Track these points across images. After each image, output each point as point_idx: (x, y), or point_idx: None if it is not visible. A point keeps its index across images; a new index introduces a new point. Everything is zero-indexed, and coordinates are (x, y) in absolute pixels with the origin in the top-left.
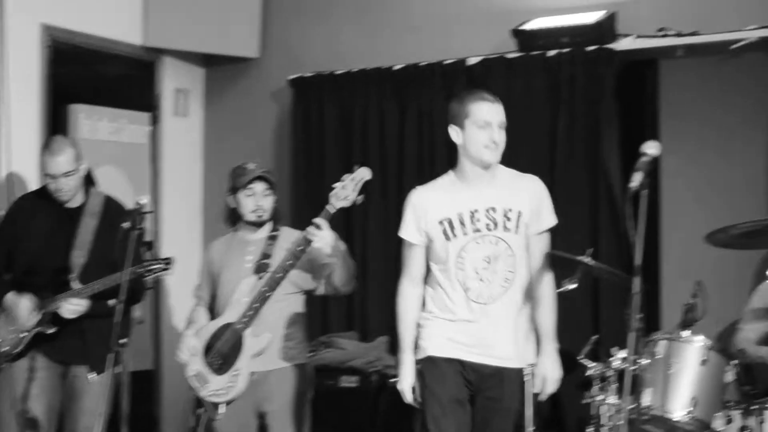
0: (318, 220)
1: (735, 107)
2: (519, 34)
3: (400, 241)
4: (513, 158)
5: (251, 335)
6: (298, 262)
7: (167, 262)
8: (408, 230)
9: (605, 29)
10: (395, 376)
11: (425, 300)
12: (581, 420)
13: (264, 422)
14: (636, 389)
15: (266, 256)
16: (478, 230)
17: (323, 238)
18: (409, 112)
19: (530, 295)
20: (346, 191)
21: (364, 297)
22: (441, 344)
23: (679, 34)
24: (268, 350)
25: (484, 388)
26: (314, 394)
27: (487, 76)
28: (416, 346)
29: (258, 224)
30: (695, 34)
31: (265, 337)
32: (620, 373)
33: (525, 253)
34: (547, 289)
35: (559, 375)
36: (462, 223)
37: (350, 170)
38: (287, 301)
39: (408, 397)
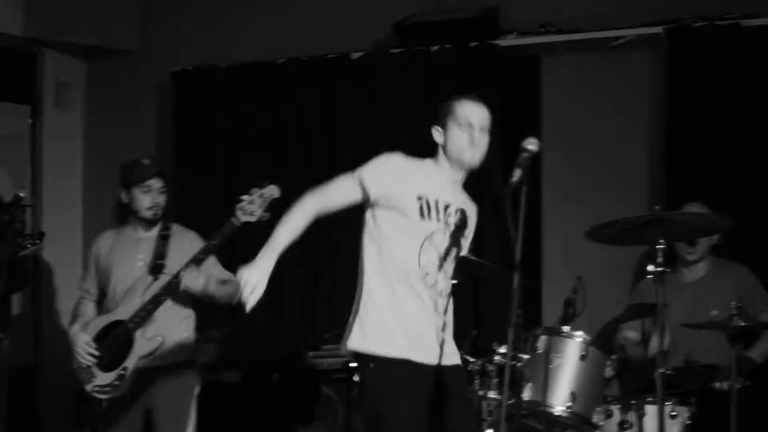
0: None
1: (615, 104)
2: (401, 29)
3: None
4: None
5: (142, 336)
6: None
7: (39, 237)
8: (372, 173)
9: (485, 24)
10: (278, 372)
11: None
12: None
13: (150, 419)
14: (516, 384)
15: (160, 255)
16: (447, 224)
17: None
18: (292, 106)
19: None
20: (253, 206)
21: None
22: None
23: (560, 31)
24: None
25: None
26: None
27: (370, 71)
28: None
29: (152, 222)
30: (576, 31)
31: (156, 340)
32: (500, 368)
33: None
34: None
35: None
36: (437, 209)
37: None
38: (179, 303)
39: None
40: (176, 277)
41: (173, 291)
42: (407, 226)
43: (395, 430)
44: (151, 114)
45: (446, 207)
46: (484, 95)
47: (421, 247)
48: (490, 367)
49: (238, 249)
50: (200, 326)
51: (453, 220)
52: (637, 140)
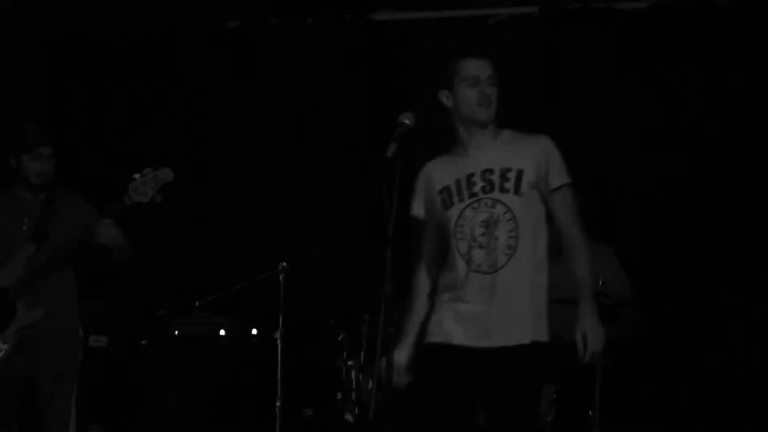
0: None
1: None
2: (277, 1)
3: (161, 207)
4: (262, 128)
5: (24, 305)
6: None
7: None
8: (414, 205)
9: None
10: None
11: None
12: (331, 385)
13: (34, 386)
14: (384, 355)
15: (44, 220)
16: (474, 194)
17: (110, 236)
18: (170, 76)
19: (542, 268)
20: (146, 187)
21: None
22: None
23: (436, 7)
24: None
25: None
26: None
27: (247, 42)
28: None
29: (40, 187)
30: (452, 7)
31: (38, 311)
32: (371, 339)
33: (533, 218)
34: (580, 244)
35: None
36: (459, 189)
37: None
38: (62, 272)
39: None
40: (60, 252)
41: (56, 263)
42: (441, 225)
43: None
44: (22, 81)
45: (468, 178)
46: (357, 69)
47: (453, 236)
48: (359, 338)
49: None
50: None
51: (479, 186)
52: (511, 118)
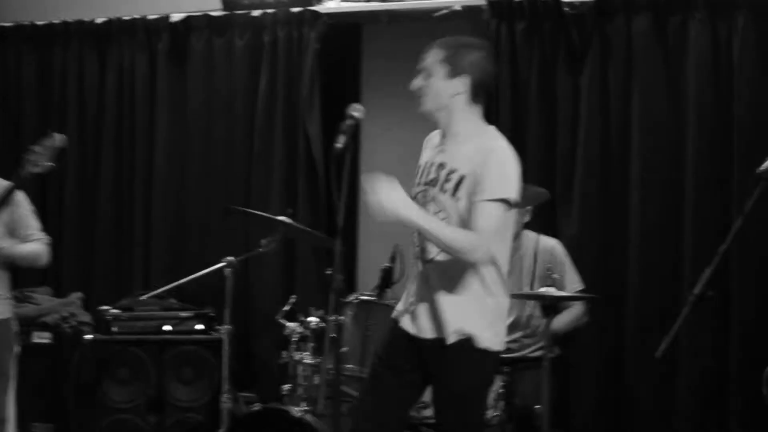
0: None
1: None
2: None
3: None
4: (213, 123)
5: None
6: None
7: None
8: None
9: None
10: (89, 332)
11: None
12: (278, 379)
13: None
14: (334, 349)
15: None
16: (426, 183)
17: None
18: (110, 68)
19: (474, 267)
20: (40, 157)
21: (58, 253)
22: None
23: None
24: None
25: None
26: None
27: (190, 34)
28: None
29: None
30: None
31: None
32: (317, 333)
33: (463, 223)
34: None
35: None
36: (419, 174)
37: (46, 133)
38: None
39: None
40: None
41: None
42: None
43: None
44: None
45: (428, 166)
46: (304, 62)
47: None
48: (307, 333)
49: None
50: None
51: (431, 177)
52: None
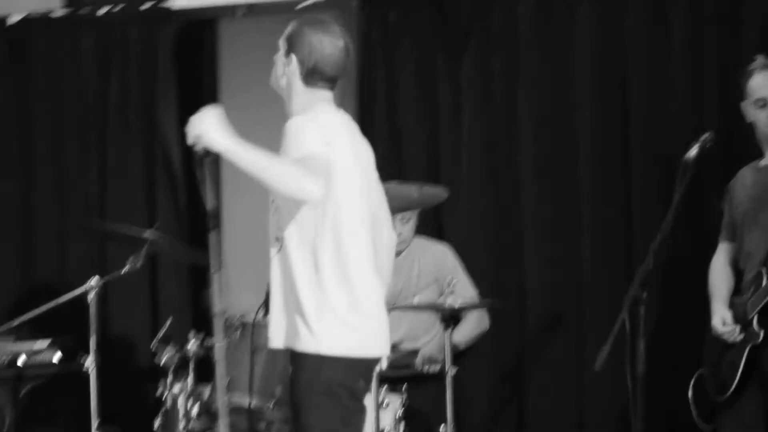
0: None
1: None
2: None
3: None
4: (61, 132)
5: None
6: None
7: None
8: None
9: None
10: None
11: None
12: (152, 413)
13: None
14: (214, 377)
15: None
16: None
17: None
18: None
19: (315, 273)
20: None
21: None
22: None
23: None
24: None
25: None
26: None
27: (29, 37)
28: None
29: None
30: None
31: None
32: (197, 361)
33: (299, 211)
34: None
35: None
36: None
37: None
38: None
39: None
40: None
41: None
42: None
43: None
44: None
45: None
46: (155, 61)
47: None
48: (185, 359)
49: None
50: None
51: None
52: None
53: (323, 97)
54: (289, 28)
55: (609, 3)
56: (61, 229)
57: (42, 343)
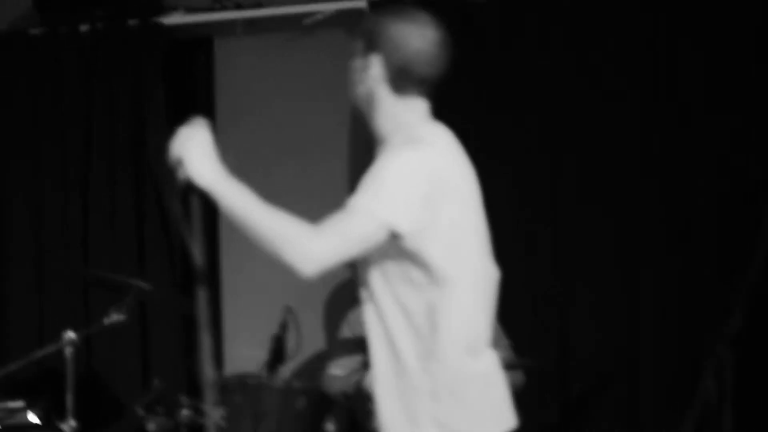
0: None
1: (309, 93)
2: (42, 5)
3: None
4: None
5: None
6: None
7: None
8: None
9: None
10: None
11: None
12: None
13: None
14: None
15: None
16: None
17: None
18: None
19: None
20: None
21: None
22: None
23: (238, 7)
24: None
25: None
26: None
27: (5, 56)
28: None
29: None
30: (258, 6)
31: None
32: (190, 428)
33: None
34: None
35: None
36: None
37: None
38: None
39: None
40: None
41: None
42: None
43: None
44: None
45: None
46: (144, 82)
47: None
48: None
49: None
50: None
51: None
52: (333, 132)
53: (418, 108)
54: (366, 22)
55: None
56: (39, 277)
57: (16, 404)
